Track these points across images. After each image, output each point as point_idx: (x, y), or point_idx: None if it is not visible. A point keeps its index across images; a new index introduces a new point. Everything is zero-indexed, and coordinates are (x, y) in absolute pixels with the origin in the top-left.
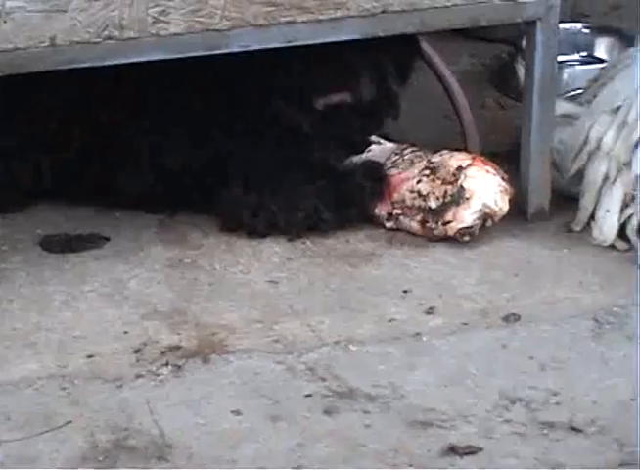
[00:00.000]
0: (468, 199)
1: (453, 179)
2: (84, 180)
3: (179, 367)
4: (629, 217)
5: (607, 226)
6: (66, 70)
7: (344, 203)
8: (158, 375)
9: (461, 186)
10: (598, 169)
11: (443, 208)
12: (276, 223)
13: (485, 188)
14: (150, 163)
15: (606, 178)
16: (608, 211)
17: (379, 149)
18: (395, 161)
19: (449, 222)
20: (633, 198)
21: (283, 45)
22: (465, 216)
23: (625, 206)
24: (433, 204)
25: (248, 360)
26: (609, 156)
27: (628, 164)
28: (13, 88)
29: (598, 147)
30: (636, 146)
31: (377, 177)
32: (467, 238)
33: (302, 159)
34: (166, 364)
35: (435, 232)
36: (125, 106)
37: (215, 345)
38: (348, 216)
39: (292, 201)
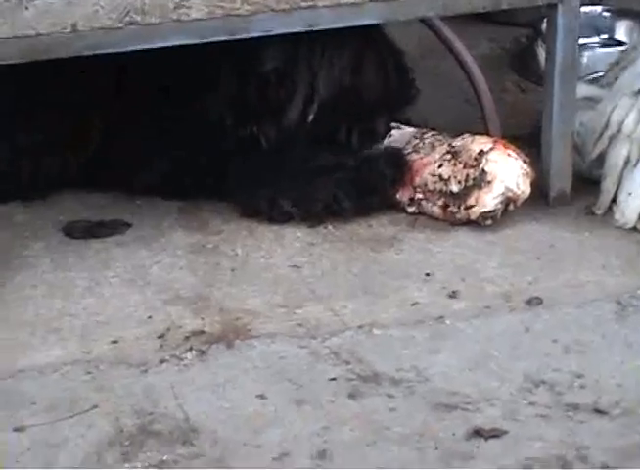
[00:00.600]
0: (490, 183)
1: (475, 163)
2: (107, 170)
3: (203, 352)
4: None
5: (629, 209)
6: (84, 64)
7: (366, 191)
8: (182, 360)
9: (483, 170)
10: (619, 152)
11: (465, 192)
12: (293, 214)
13: (507, 172)
14: (165, 153)
15: (627, 161)
16: (630, 193)
17: (399, 134)
18: (416, 145)
19: (471, 206)
20: None
21: (304, 29)
22: (487, 200)
23: None
24: (454, 188)
25: (271, 345)
26: (630, 139)
27: None
28: (34, 85)
29: (619, 130)
30: None
31: (398, 165)
32: (489, 222)
33: (321, 148)
34: (190, 349)
35: (458, 216)
36: (141, 97)
37: (239, 329)
38: (370, 204)
39: (310, 191)
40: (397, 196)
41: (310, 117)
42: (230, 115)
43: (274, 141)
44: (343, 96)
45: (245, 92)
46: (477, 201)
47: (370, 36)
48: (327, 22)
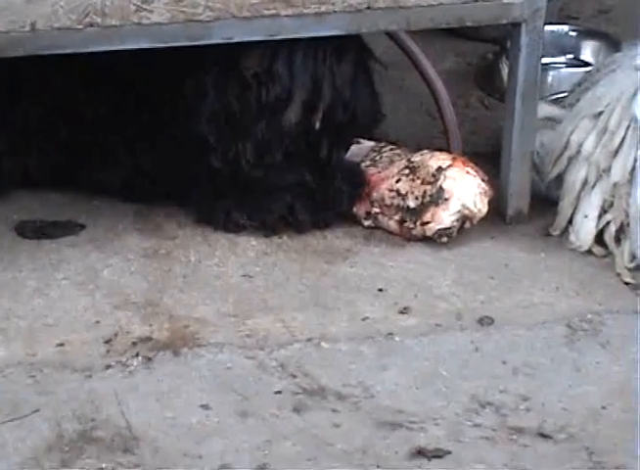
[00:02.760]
0: (447, 200)
1: (433, 179)
2: (69, 170)
3: (149, 359)
4: (607, 224)
5: (584, 232)
6: (50, 67)
7: (322, 205)
8: (127, 366)
9: (440, 187)
10: (577, 174)
11: (422, 208)
12: (247, 226)
13: (465, 189)
14: (127, 159)
15: (585, 184)
16: (586, 216)
17: (357, 147)
18: (374, 158)
19: (428, 223)
20: (612, 204)
21: (266, 38)
22: (443, 217)
23: (604, 212)
24: (411, 203)
25: (219, 355)
26: (588, 161)
27: (607, 171)
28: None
29: (578, 152)
30: (615, 153)
31: (357, 181)
32: (445, 239)
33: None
34: (137, 356)
35: (413, 232)
36: (106, 102)
37: (187, 337)
38: (326, 219)
39: (266, 203)
40: (354, 210)
41: (317, 125)
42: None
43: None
44: (342, 109)
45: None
46: (433, 217)
47: (364, 51)
48: (289, 31)
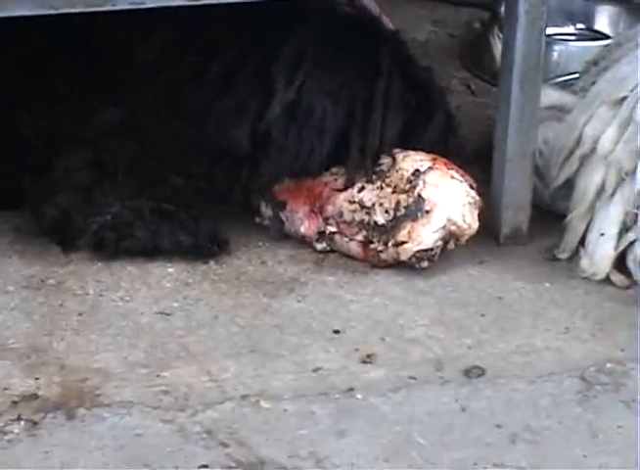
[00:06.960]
0: (428, 212)
1: (408, 187)
2: None
3: (35, 424)
4: (631, 244)
5: (600, 255)
6: None
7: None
8: (5, 433)
9: (419, 195)
10: (592, 179)
11: (395, 224)
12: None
13: (451, 199)
14: None
15: (601, 191)
16: (602, 234)
17: None
18: None
19: (402, 243)
20: (636, 219)
21: (184, 3)
22: (424, 235)
23: (626, 229)
24: (380, 218)
25: (126, 417)
26: (607, 161)
27: (631, 174)
28: None
29: (594, 149)
30: None
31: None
32: (425, 264)
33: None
34: (18, 419)
35: (383, 256)
36: None
37: (84, 395)
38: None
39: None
40: (302, 229)
41: None
42: None
43: None
44: None
45: None
46: (410, 236)
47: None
48: None
